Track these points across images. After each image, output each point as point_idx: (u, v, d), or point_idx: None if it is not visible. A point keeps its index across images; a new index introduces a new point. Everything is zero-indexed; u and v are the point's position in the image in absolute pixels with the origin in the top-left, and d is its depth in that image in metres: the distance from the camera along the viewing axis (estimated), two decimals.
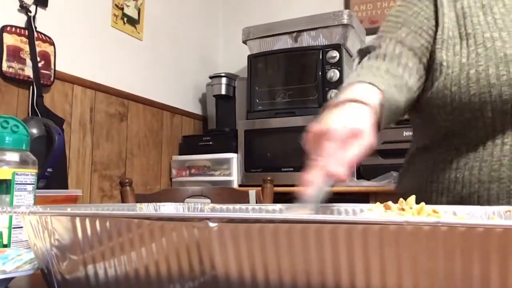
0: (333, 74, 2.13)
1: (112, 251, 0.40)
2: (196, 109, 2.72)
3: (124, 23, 2.17)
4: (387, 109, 0.66)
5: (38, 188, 0.71)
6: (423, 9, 0.82)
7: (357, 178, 2.02)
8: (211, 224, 0.34)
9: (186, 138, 2.53)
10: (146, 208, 0.67)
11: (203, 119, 2.74)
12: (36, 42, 1.68)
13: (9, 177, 0.63)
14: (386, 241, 0.30)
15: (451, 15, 0.79)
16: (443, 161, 0.78)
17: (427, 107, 0.78)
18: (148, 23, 2.32)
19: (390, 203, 0.55)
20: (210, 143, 2.39)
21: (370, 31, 2.44)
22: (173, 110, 2.49)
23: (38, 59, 1.68)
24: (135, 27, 2.25)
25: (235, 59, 2.80)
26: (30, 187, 0.65)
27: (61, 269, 0.43)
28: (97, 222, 0.39)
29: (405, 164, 0.91)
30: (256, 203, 1.47)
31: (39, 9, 1.73)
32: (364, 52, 0.83)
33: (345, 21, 2.17)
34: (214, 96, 2.57)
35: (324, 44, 2.22)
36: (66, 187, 1.70)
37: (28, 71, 1.65)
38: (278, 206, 0.65)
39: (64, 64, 1.82)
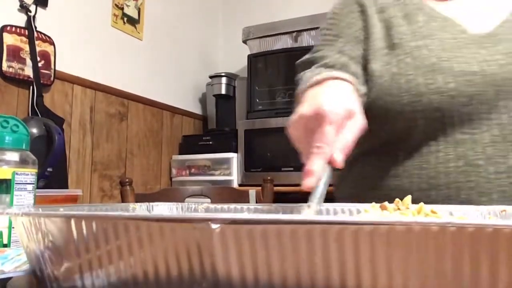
0: None
1: (109, 254, 0.38)
2: (196, 109, 2.72)
3: (124, 23, 2.17)
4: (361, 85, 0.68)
5: (38, 188, 0.70)
6: (353, 21, 0.83)
7: None
8: (213, 226, 0.33)
9: (186, 138, 2.52)
10: (139, 208, 0.66)
11: (203, 119, 2.74)
12: (36, 42, 1.68)
13: (9, 176, 0.62)
14: (393, 242, 0.29)
15: (379, 25, 0.81)
16: (382, 169, 0.78)
17: (366, 115, 0.79)
18: (148, 23, 2.32)
19: (386, 203, 0.54)
20: (210, 142, 2.39)
21: None
22: (173, 110, 2.49)
23: (38, 59, 1.68)
24: (135, 27, 2.24)
25: (235, 59, 2.80)
26: (30, 187, 0.65)
27: (55, 272, 0.41)
28: (93, 224, 0.38)
29: (344, 169, 0.91)
30: (256, 203, 1.47)
31: (39, 9, 1.72)
32: (305, 65, 0.82)
33: None
34: (214, 96, 2.57)
35: None
36: (66, 187, 1.69)
37: (28, 71, 1.65)
38: (274, 205, 0.65)
39: (64, 64, 1.82)
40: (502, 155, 0.69)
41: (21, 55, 1.64)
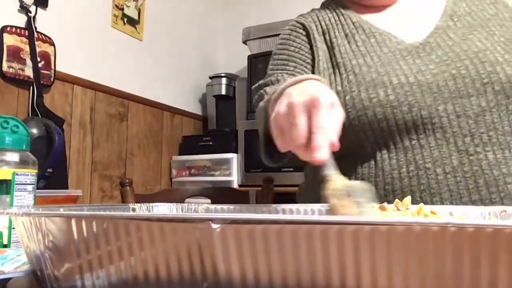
0: None
1: (109, 255, 0.38)
2: (196, 109, 2.72)
3: (124, 23, 2.17)
4: None
5: (38, 188, 0.70)
6: (301, 45, 0.89)
7: None
8: (214, 226, 0.33)
9: (186, 138, 2.52)
10: (139, 209, 0.66)
11: (203, 119, 2.74)
12: (36, 42, 1.68)
13: (9, 177, 0.62)
14: (393, 242, 0.29)
15: (323, 47, 0.87)
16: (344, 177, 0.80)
17: None
18: (148, 23, 2.32)
19: (385, 204, 0.55)
20: (210, 143, 2.39)
21: None
22: (173, 110, 2.49)
23: (38, 59, 1.68)
24: (135, 28, 2.24)
25: (235, 59, 2.79)
26: (30, 187, 0.65)
27: (55, 273, 0.41)
28: (94, 224, 0.38)
29: (309, 175, 0.95)
30: (256, 203, 1.47)
31: (39, 9, 1.72)
32: (260, 88, 0.90)
33: None
34: (214, 96, 2.57)
35: None
36: (66, 187, 1.69)
37: (28, 71, 1.65)
38: (273, 206, 0.65)
39: (64, 64, 1.82)
40: (446, 156, 0.73)
41: (21, 55, 1.64)
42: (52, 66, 1.75)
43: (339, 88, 0.80)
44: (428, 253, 0.29)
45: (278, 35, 2.64)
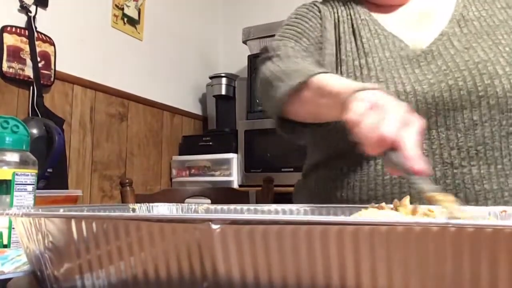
0: None
1: (109, 255, 0.38)
2: (196, 109, 2.72)
3: (124, 23, 2.17)
4: None
5: (38, 188, 0.70)
6: (316, 27, 0.88)
7: None
8: (214, 226, 0.33)
9: (186, 138, 2.52)
10: (139, 209, 0.66)
11: (203, 119, 2.74)
12: (36, 42, 1.68)
13: (9, 177, 0.62)
14: (393, 242, 0.29)
15: (332, 40, 0.86)
16: (331, 180, 0.82)
17: (313, 130, 0.81)
18: (148, 23, 2.32)
19: (383, 204, 0.55)
20: (210, 143, 2.39)
21: None
22: (173, 110, 2.49)
23: (38, 59, 1.68)
24: (135, 27, 2.24)
25: (235, 59, 2.79)
26: (30, 188, 0.65)
27: (55, 273, 0.41)
28: (94, 224, 0.38)
29: (301, 180, 0.96)
30: (256, 203, 1.47)
31: (39, 9, 1.72)
32: (265, 51, 0.88)
33: None
34: (214, 96, 2.57)
35: None
36: (66, 187, 1.69)
37: (28, 71, 1.65)
38: (273, 206, 0.65)
39: (64, 64, 1.82)
40: (431, 167, 0.73)
41: (21, 55, 1.64)
42: (52, 66, 1.75)
43: None
44: (428, 253, 0.29)
45: None
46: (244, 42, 2.48)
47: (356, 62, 0.81)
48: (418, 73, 0.77)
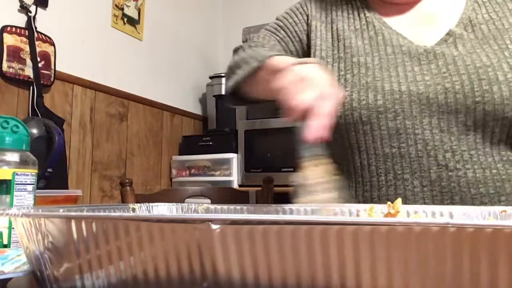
0: None
1: (109, 255, 0.38)
2: (196, 109, 2.72)
3: (124, 23, 2.17)
4: None
5: (38, 188, 0.70)
6: (299, 23, 0.91)
7: None
8: (214, 226, 0.33)
9: (186, 138, 2.52)
10: (139, 209, 0.66)
11: (203, 119, 2.74)
12: (36, 42, 1.68)
13: (9, 177, 0.62)
14: (393, 242, 0.29)
15: (327, 36, 0.86)
16: None
17: None
18: (148, 23, 2.32)
19: (375, 205, 0.55)
20: (210, 143, 2.39)
21: None
22: (173, 110, 2.49)
23: (38, 59, 1.68)
24: (135, 27, 2.24)
25: None
26: (30, 187, 0.65)
27: (54, 273, 0.41)
28: (94, 224, 0.38)
29: None
30: (256, 203, 1.47)
31: (39, 9, 1.72)
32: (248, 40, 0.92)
33: None
34: (214, 96, 2.57)
35: None
36: (66, 187, 1.69)
37: (28, 71, 1.65)
38: (273, 206, 0.65)
39: (64, 64, 1.82)
40: (425, 169, 0.73)
41: (21, 55, 1.64)
42: (52, 66, 1.75)
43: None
44: (428, 253, 0.29)
45: None
46: (244, 42, 2.48)
47: (355, 59, 0.81)
48: (417, 71, 0.76)
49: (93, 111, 1.98)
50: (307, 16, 0.90)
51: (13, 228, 0.62)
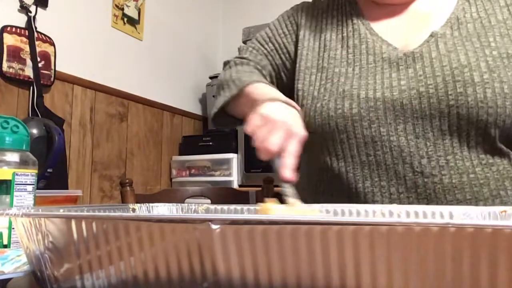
0: None
1: (109, 255, 0.38)
2: (196, 109, 2.72)
3: (124, 23, 2.17)
4: None
5: (38, 188, 0.70)
6: (288, 34, 0.92)
7: None
8: (214, 226, 0.33)
9: (186, 138, 2.52)
10: (139, 209, 0.66)
11: (203, 119, 2.74)
12: (36, 42, 1.68)
13: (9, 177, 0.62)
14: (393, 242, 0.29)
15: (315, 45, 0.87)
16: (314, 184, 0.84)
17: None
18: (148, 23, 2.32)
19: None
20: (210, 143, 2.39)
21: None
22: (173, 110, 2.49)
23: (38, 59, 1.68)
24: (135, 27, 2.24)
25: None
26: (30, 188, 0.65)
27: (55, 273, 0.41)
28: (94, 224, 0.38)
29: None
30: (256, 203, 1.47)
31: (39, 9, 1.72)
32: (240, 51, 0.97)
33: None
34: (214, 96, 2.56)
35: None
36: (66, 187, 1.69)
37: (28, 71, 1.65)
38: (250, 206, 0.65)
39: (64, 64, 1.82)
40: (401, 176, 0.72)
41: (21, 55, 1.64)
42: (52, 66, 1.75)
43: (316, 93, 0.81)
44: (428, 253, 0.29)
45: None
46: (244, 42, 2.48)
47: (337, 70, 0.81)
48: (394, 77, 0.75)
49: (93, 111, 1.98)
50: (297, 25, 0.91)
51: (13, 228, 0.62)
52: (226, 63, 0.96)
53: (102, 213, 0.45)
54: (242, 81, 0.81)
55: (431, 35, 0.78)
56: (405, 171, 0.72)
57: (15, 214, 0.42)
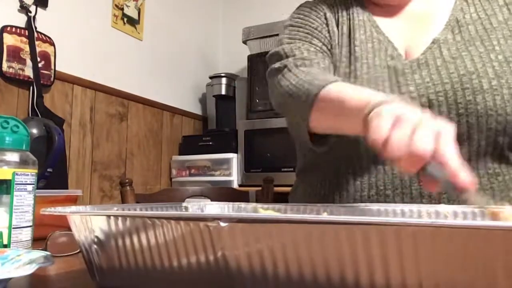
0: None
1: (141, 247, 0.44)
2: (196, 109, 2.72)
3: (124, 23, 2.17)
4: None
5: (38, 188, 0.70)
6: (322, 27, 0.83)
7: None
8: (222, 224, 0.38)
9: (186, 138, 2.52)
10: (192, 208, 0.71)
11: (203, 119, 2.74)
12: (36, 42, 1.68)
13: (9, 177, 0.62)
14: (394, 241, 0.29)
15: (335, 43, 0.82)
16: (316, 188, 0.82)
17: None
18: (148, 23, 2.32)
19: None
20: (210, 143, 2.39)
21: None
22: (173, 110, 2.49)
23: (38, 59, 1.68)
24: (135, 27, 2.24)
25: (235, 59, 2.79)
26: (30, 187, 0.65)
27: (101, 265, 0.48)
28: (127, 221, 0.44)
29: (297, 176, 0.95)
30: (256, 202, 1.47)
31: (39, 9, 1.72)
32: (278, 57, 0.81)
33: None
34: (214, 96, 2.57)
35: None
36: (66, 187, 1.69)
37: (28, 71, 1.65)
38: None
39: (64, 64, 1.82)
40: (406, 186, 0.71)
41: (21, 55, 1.64)
42: (52, 66, 1.75)
43: None
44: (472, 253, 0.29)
45: (278, 35, 2.64)
46: (244, 42, 2.48)
47: (347, 70, 0.78)
48: (401, 82, 0.73)
49: (93, 111, 1.98)
50: (325, 18, 0.84)
51: (13, 227, 0.62)
52: (279, 69, 0.79)
53: (137, 212, 0.49)
54: (320, 81, 0.67)
55: (433, 42, 0.76)
56: (410, 180, 0.71)
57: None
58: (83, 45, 1.94)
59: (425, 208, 0.58)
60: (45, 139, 1.53)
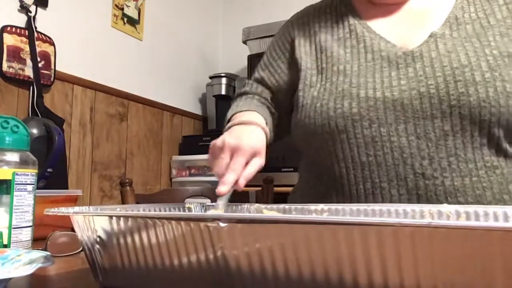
0: None
1: (142, 246, 0.45)
2: (196, 109, 2.72)
3: (124, 23, 2.17)
4: (270, 131, 0.85)
5: (38, 188, 0.70)
6: (282, 53, 0.93)
7: None
8: (222, 224, 0.38)
9: (186, 138, 2.52)
10: (194, 208, 0.75)
11: (203, 119, 2.74)
12: (36, 42, 1.68)
13: (9, 177, 0.62)
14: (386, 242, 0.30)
15: (311, 49, 0.87)
16: (314, 186, 0.84)
17: (294, 135, 0.87)
18: (148, 23, 2.32)
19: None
20: (210, 143, 2.39)
21: None
22: (173, 110, 2.49)
23: (38, 59, 1.68)
24: (135, 27, 2.24)
25: (235, 59, 2.79)
26: (30, 187, 0.65)
27: (104, 264, 0.49)
28: (129, 221, 0.45)
29: (300, 178, 0.96)
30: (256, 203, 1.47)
31: (39, 9, 1.72)
32: (248, 85, 0.99)
33: None
34: (214, 96, 2.57)
35: None
36: (66, 187, 1.69)
37: (28, 71, 1.65)
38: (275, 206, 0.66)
39: (64, 64, 1.82)
40: (402, 178, 0.71)
41: (21, 55, 1.64)
42: (52, 66, 1.75)
43: (315, 93, 0.80)
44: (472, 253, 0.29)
45: None
46: (244, 42, 2.49)
47: (335, 68, 0.80)
48: (394, 76, 0.74)
49: (93, 111, 1.98)
50: (291, 39, 0.92)
51: (13, 227, 0.62)
52: (239, 95, 0.98)
53: (139, 212, 0.47)
54: (232, 111, 0.85)
55: (431, 36, 0.77)
56: (406, 172, 0.71)
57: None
58: (83, 45, 1.94)
59: (427, 208, 0.58)
60: (45, 139, 1.53)
